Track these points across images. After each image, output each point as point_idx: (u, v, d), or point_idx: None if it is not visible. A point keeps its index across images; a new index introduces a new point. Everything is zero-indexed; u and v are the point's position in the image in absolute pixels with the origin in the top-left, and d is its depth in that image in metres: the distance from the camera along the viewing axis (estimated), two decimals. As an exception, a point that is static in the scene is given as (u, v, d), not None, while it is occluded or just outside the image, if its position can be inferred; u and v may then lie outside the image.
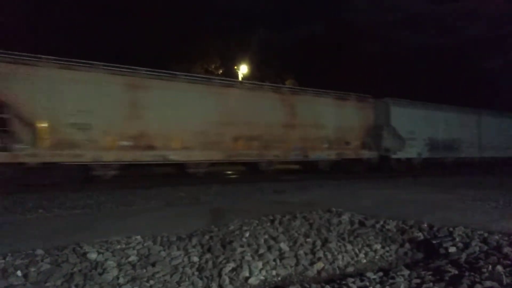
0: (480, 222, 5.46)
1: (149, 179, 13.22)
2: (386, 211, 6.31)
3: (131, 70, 11.89)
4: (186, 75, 13.19)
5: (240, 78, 25.81)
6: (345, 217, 5.76)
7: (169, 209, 6.89)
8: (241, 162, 14.47)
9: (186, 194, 9.06)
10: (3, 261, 3.57)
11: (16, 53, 10.19)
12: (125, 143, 11.68)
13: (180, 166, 12.95)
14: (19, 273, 3.35)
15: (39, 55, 10.53)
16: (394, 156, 17.93)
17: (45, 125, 10.48)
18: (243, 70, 26.13)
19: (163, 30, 23.99)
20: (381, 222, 5.46)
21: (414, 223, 5.36)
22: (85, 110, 10.97)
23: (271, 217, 5.66)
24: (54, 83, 10.60)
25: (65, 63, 10.88)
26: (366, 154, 17.14)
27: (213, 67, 26.63)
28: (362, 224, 5.45)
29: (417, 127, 18.73)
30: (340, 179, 13.31)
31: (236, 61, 26.33)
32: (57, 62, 10.77)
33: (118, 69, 11.73)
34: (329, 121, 16.09)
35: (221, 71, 26.92)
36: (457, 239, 4.59)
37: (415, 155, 18.92)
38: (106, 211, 6.75)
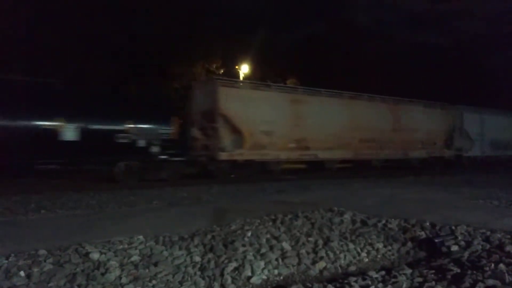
0: (482, 220, 5.46)
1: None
2: (388, 210, 6.31)
3: (293, 88, 16.19)
4: (326, 91, 16.42)
5: (241, 78, 25.81)
6: (347, 216, 5.76)
7: (171, 209, 6.90)
8: (360, 160, 17.46)
9: (188, 194, 9.07)
10: (6, 261, 3.59)
11: (231, 79, 14.65)
12: (292, 145, 15.03)
13: (315, 163, 16.10)
14: (22, 273, 3.36)
15: (238, 79, 15.16)
16: (465, 155, 21.20)
17: (246, 132, 13.80)
18: (244, 70, 26.12)
19: (165, 30, 23.99)
20: (383, 221, 5.46)
21: (416, 222, 5.36)
22: (269, 120, 14.28)
23: (273, 217, 5.66)
24: (250, 101, 14.04)
25: (255, 84, 15.27)
26: (447, 152, 20.46)
27: (214, 67, 26.62)
28: (364, 223, 5.45)
29: (482, 130, 22.14)
30: (341, 178, 13.30)
31: (238, 61, 26.32)
32: (251, 83, 15.27)
33: (285, 88, 16.09)
34: (422, 125, 19.27)
35: (222, 71, 26.91)
36: (459, 238, 4.59)
37: (480, 153, 22.28)
38: (108, 211, 6.77)
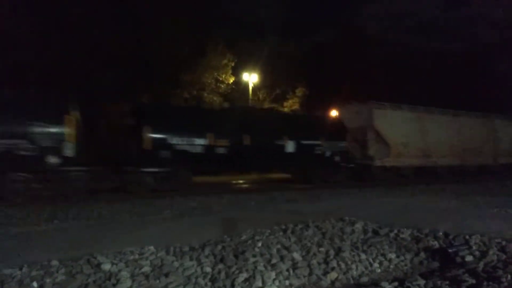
0: (497, 230, 5.35)
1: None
2: (400, 220, 6.23)
3: (416, 107, 19.09)
4: (438, 109, 20.04)
5: (250, 87, 25.91)
6: (359, 226, 5.70)
7: (181, 219, 6.92)
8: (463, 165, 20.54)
9: (198, 204, 9.09)
10: (19, 272, 3.63)
11: (379, 102, 17.80)
12: (419, 153, 18.56)
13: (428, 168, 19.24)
14: (35, 284, 3.40)
15: (384, 103, 18.06)
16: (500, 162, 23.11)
17: (392, 143, 17.35)
18: (253, 79, 26.24)
19: (175, 39, 24.28)
20: (395, 231, 5.39)
21: (429, 232, 5.28)
22: (404, 134, 17.89)
23: (283, 227, 5.64)
24: (392, 118, 17.73)
25: (394, 105, 18.45)
26: (503, 159, 22.68)
27: (223, 76, 26.79)
28: (375, 233, 5.39)
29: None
30: (352, 188, 13.21)
31: (247, 70, 26.46)
32: (391, 105, 18.32)
33: (413, 107, 19.02)
34: (503, 135, 22.41)
35: (231, 80, 27.05)
36: (474, 248, 4.51)
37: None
38: (120, 222, 6.81)
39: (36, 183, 10.16)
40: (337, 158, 16.40)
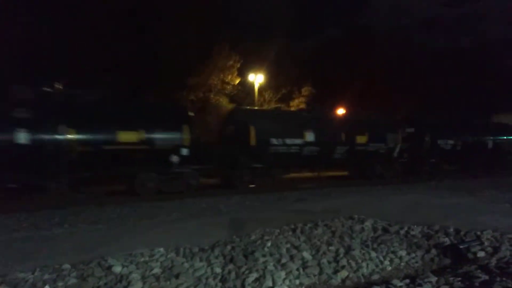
0: (509, 225, 5.29)
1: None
2: (410, 217, 6.18)
3: None
4: None
5: (256, 88, 25.89)
6: (368, 224, 5.67)
7: (191, 221, 6.93)
8: None
9: (208, 205, 9.10)
10: (32, 276, 3.66)
11: None
12: None
13: None
14: (47, 287, 3.43)
15: None
16: None
17: None
18: (259, 79, 26.22)
19: (181, 41, 24.37)
20: (406, 228, 5.35)
21: (439, 228, 5.24)
22: None
23: (292, 226, 5.62)
24: None
25: None
26: None
27: (229, 78, 26.82)
28: (385, 230, 5.35)
29: None
30: (362, 185, 13.13)
31: (253, 71, 26.45)
32: None
33: None
34: None
35: (237, 81, 27.07)
36: (486, 243, 4.46)
37: None
38: (129, 224, 6.84)
39: None
40: (395, 154, 17.43)
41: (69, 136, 10.01)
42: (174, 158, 11.64)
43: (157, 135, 11.28)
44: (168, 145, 11.53)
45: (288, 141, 14.29)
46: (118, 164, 10.94)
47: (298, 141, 14.49)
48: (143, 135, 10.93)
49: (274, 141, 13.83)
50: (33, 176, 10.08)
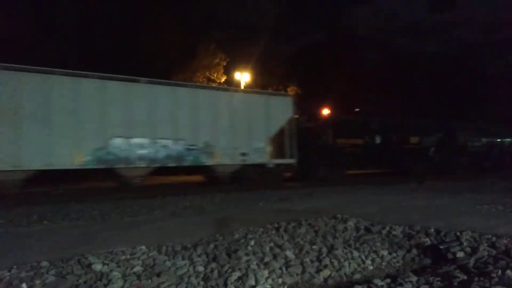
0: (487, 226, 5.41)
1: (154, 189, 13.23)
2: (392, 217, 6.26)
3: None
4: None
5: (242, 86, 25.89)
6: (351, 224, 5.72)
7: (173, 219, 6.87)
8: None
9: (191, 203, 9.05)
10: (8, 273, 3.56)
11: None
12: None
13: None
14: (24, 285, 3.34)
15: None
16: None
17: None
18: (245, 78, 26.21)
19: (168, 39, 24.21)
20: (387, 228, 5.41)
21: (420, 228, 5.31)
22: None
23: (276, 225, 5.63)
24: None
25: None
26: None
27: (215, 75, 26.74)
28: (368, 230, 5.40)
29: None
30: (344, 185, 13.25)
31: (239, 69, 26.43)
32: None
33: None
34: None
35: (223, 79, 27.01)
36: (465, 244, 4.54)
37: None
38: (110, 222, 6.74)
39: None
40: (431, 152, 19.58)
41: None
42: None
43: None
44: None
45: (352, 141, 17.70)
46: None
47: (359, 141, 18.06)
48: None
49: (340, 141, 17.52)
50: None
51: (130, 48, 22.90)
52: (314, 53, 34.13)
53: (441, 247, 4.46)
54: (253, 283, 3.56)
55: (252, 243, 4.61)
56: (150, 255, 4.19)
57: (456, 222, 5.83)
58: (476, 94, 38.16)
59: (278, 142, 15.48)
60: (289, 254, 4.27)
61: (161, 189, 13.12)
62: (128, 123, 12.55)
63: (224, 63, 26.86)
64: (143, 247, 4.42)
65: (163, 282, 3.50)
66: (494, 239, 4.66)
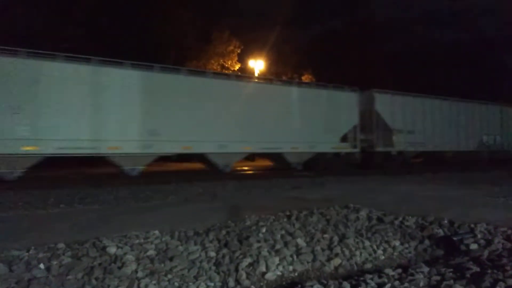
0: (502, 219, 5.32)
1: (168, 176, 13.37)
2: (405, 208, 6.21)
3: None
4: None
5: (256, 74, 25.78)
6: (363, 213, 5.70)
7: (187, 205, 6.95)
8: None
9: (204, 190, 9.13)
10: (26, 254, 3.67)
11: None
12: None
13: None
14: (42, 266, 3.44)
15: None
16: None
17: None
18: (259, 65, 26.07)
19: (182, 27, 24.15)
20: (400, 219, 5.38)
21: (434, 220, 5.27)
22: None
23: (287, 213, 5.65)
24: None
25: None
26: None
27: (229, 63, 26.65)
28: (380, 220, 5.38)
29: None
30: (357, 175, 13.18)
31: (253, 57, 26.29)
32: None
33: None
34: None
35: (237, 67, 26.91)
36: (479, 236, 4.49)
37: None
38: (125, 206, 6.86)
39: None
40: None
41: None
42: None
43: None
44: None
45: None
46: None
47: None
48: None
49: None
50: None
51: (143, 35, 22.94)
52: (330, 41, 33.67)
53: (455, 238, 4.42)
54: (264, 269, 3.59)
55: (264, 230, 4.64)
56: (163, 239, 4.26)
57: (470, 213, 5.76)
58: (492, 85, 37.28)
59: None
60: (300, 242, 4.28)
61: (175, 176, 13.27)
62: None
63: (239, 51, 26.72)
64: (157, 231, 4.49)
65: (175, 266, 3.56)
66: (509, 232, 4.59)
